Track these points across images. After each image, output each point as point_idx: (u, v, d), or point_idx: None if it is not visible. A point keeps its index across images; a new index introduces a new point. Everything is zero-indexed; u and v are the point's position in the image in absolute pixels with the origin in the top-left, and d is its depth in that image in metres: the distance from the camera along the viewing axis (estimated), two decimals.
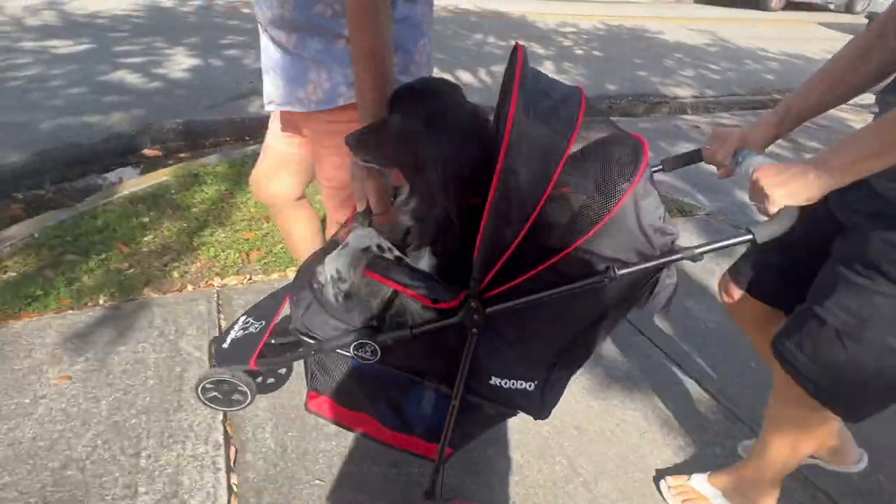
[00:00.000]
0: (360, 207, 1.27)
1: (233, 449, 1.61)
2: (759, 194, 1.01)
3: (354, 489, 1.54)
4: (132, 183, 3.10)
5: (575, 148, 0.95)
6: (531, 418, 1.22)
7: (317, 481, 1.55)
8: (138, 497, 1.46)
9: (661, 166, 1.27)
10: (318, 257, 1.21)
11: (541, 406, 1.17)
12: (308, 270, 1.20)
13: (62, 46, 5.30)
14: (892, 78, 1.15)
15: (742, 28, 10.97)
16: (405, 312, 1.10)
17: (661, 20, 10.74)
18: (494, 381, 1.12)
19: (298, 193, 1.70)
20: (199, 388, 1.47)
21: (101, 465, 1.54)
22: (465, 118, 1.07)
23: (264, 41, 1.36)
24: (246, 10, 7.73)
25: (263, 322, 1.48)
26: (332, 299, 1.11)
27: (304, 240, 1.78)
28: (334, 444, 1.65)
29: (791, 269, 1.29)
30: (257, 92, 1.80)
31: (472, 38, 7.66)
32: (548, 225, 0.94)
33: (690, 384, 2.02)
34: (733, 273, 1.45)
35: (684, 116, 5.55)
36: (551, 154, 0.92)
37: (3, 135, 3.55)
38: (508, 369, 1.12)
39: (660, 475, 1.64)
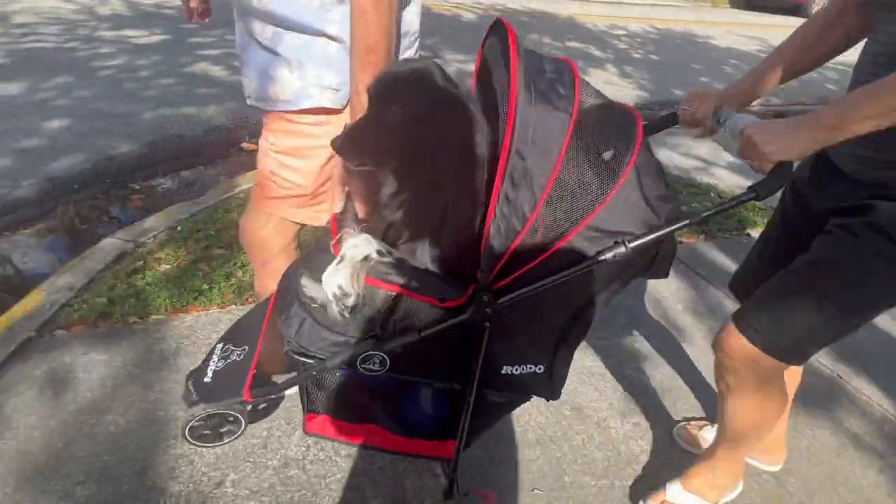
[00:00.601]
0: (338, 209, 1.18)
1: None
2: (752, 151, 1.02)
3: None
4: (251, 176, 3.10)
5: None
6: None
7: (536, 490, 1.55)
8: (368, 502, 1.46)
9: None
10: (298, 270, 1.12)
11: (551, 387, 1.14)
12: (291, 285, 1.10)
13: (139, 36, 5.32)
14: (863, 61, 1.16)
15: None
16: (411, 314, 1.02)
17: (707, 25, 10.65)
18: (506, 369, 1.09)
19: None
20: (187, 429, 1.22)
21: (321, 466, 1.54)
22: (466, 99, 1.01)
23: (239, 29, 1.27)
24: None
25: (246, 347, 1.27)
26: (337, 317, 1.01)
27: None
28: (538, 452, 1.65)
29: (766, 266, 1.32)
30: None
31: (527, 38, 7.62)
32: (556, 207, 0.92)
33: (867, 404, 2.00)
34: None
35: None
36: (556, 133, 0.88)
37: (108, 124, 3.57)
38: (519, 356, 1.09)
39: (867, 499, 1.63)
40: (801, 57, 1.26)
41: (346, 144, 1.01)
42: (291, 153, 1.31)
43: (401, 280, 0.99)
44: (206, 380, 1.23)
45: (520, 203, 0.88)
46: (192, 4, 1.50)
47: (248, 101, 1.33)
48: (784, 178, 1.00)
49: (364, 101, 1.06)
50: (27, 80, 4.03)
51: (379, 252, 1.03)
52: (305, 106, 1.22)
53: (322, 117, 1.25)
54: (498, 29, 1.00)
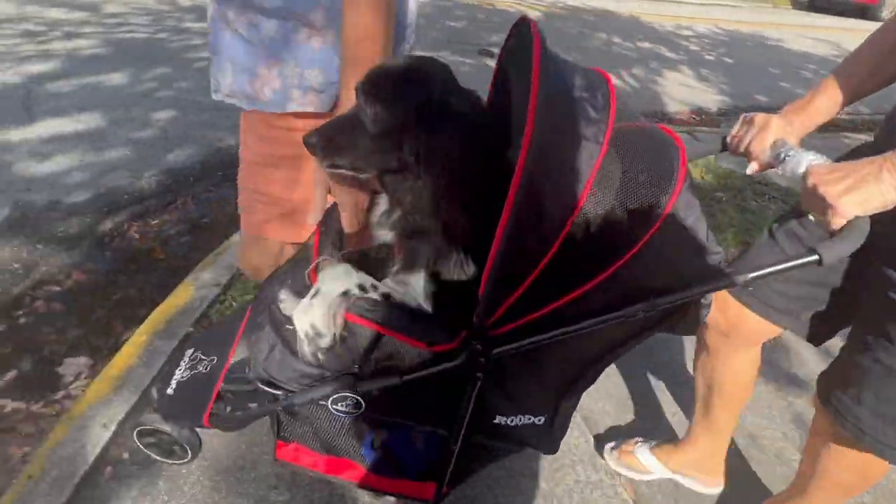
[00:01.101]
0: (315, 220, 1.03)
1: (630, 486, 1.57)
2: (818, 204, 0.83)
3: None
4: None
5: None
6: None
7: None
8: None
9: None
10: (279, 280, 0.98)
11: (550, 440, 1.03)
12: (267, 298, 0.96)
13: None
14: None
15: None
16: (394, 355, 0.88)
17: (775, 27, 10.29)
18: (500, 419, 0.96)
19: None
20: (136, 431, 1.13)
21: (504, 483, 1.50)
22: (464, 106, 0.86)
23: (211, 12, 1.11)
24: None
25: (215, 359, 1.12)
26: (310, 358, 0.88)
27: None
28: None
29: (806, 290, 1.14)
30: None
31: (597, 37, 7.48)
32: (575, 248, 0.76)
33: None
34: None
35: (847, 134, 5.26)
36: (581, 165, 0.74)
37: (211, 116, 3.61)
38: (515, 407, 0.96)
39: None
40: (871, 76, 1.07)
41: (320, 143, 0.87)
42: (270, 163, 1.16)
43: (384, 319, 0.85)
44: (169, 391, 1.08)
45: (531, 243, 0.74)
46: None
47: (216, 96, 1.17)
48: (857, 240, 0.79)
49: (354, 99, 0.90)
50: (128, 71, 4.11)
51: (360, 287, 0.87)
52: (287, 110, 1.08)
53: (304, 122, 1.07)
54: (521, 29, 0.83)
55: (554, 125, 0.71)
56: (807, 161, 0.90)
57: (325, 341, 0.84)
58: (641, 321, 0.85)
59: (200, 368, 1.09)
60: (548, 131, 0.69)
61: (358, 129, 0.86)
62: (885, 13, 12.94)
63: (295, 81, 1.06)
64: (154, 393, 1.12)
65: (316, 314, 0.83)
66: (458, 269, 0.87)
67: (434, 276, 0.88)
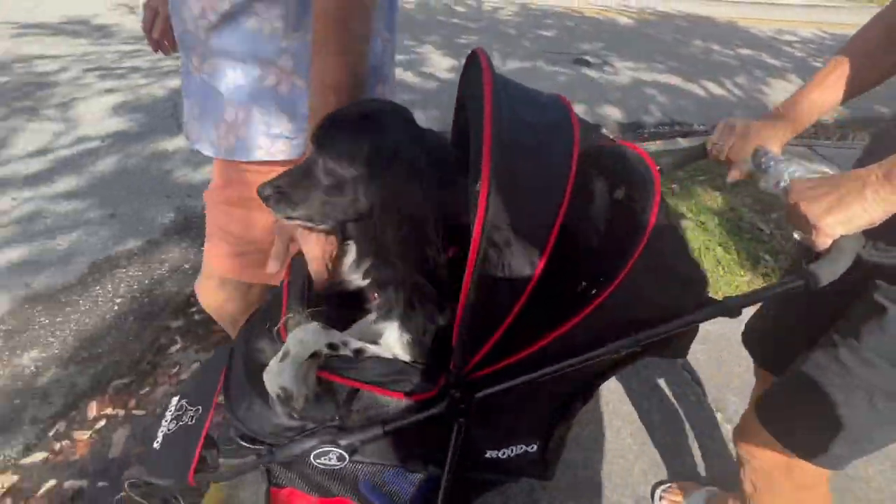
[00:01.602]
0: (275, 269, 0.98)
1: None
2: (800, 222, 0.76)
3: None
4: None
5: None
6: None
7: None
8: None
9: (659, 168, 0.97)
10: (256, 327, 0.94)
11: (544, 467, 1.00)
12: (243, 349, 0.92)
13: None
14: None
15: None
16: (374, 406, 0.86)
17: None
18: (490, 454, 0.95)
19: None
20: (127, 483, 1.09)
21: None
22: (417, 151, 0.83)
23: (182, 53, 1.09)
24: (460, 8, 7.89)
25: (200, 409, 1.08)
26: (285, 419, 0.85)
27: None
28: None
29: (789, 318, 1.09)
30: None
31: (693, 44, 7.25)
32: (552, 286, 0.72)
33: None
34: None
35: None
36: (549, 198, 0.71)
37: None
38: (505, 440, 0.95)
39: None
40: (860, 71, 0.98)
41: (273, 195, 0.86)
42: (238, 204, 1.13)
43: (359, 374, 0.84)
44: (156, 445, 1.05)
45: (501, 287, 0.71)
46: (155, 36, 1.28)
47: (190, 144, 1.14)
48: (846, 260, 0.74)
49: None
50: None
51: (331, 346, 0.84)
52: (253, 159, 1.05)
53: (272, 168, 1.01)
54: (474, 60, 0.81)
55: (513, 161, 0.69)
56: (787, 173, 0.83)
57: (299, 402, 0.81)
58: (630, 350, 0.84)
59: (185, 420, 1.07)
60: (506, 168, 0.68)
61: (312, 179, 0.85)
62: None
63: (262, 129, 1.02)
64: (145, 443, 1.09)
65: (286, 377, 0.80)
66: (431, 317, 0.85)
67: (408, 325, 0.87)
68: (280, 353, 0.82)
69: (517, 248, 0.70)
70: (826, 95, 1.00)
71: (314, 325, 0.85)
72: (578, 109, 0.88)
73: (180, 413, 1.09)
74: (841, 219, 0.73)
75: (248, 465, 0.96)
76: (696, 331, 0.87)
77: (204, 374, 1.18)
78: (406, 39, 6.02)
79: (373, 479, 0.99)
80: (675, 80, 5.62)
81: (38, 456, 1.72)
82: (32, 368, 2.01)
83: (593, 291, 0.78)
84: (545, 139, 0.75)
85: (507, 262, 0.70)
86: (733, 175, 1.03)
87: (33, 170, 3.12)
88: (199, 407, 1.07)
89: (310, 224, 0.90)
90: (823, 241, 0.75)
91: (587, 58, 6.04)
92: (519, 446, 0.96)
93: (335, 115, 0.86)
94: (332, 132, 0.85)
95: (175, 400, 1.11)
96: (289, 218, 0.89)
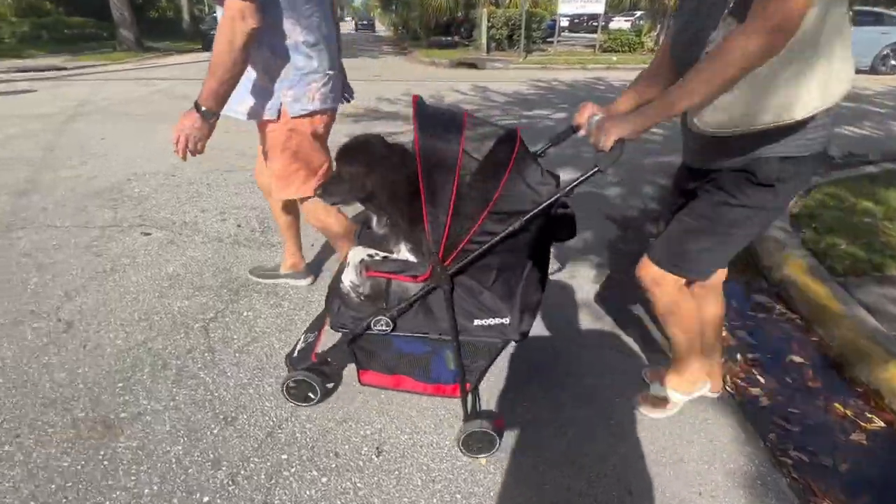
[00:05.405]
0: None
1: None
2: (598, 133, 1.31)
3: None
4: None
5: (469, 148, 1.30)
6: None
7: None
8: None
9: (548, 143, 1.66)
10: (338, 275, 1.60)
11: (520, 331, 1.47)
12: (334, 285, 1.59)
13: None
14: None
15: None
16: (399, 291, 1.46)
17: None
18: (477, 322, 1.46)
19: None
20: (284, 387, 1.84)
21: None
22: (390, 157, 1.43)
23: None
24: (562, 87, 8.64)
25: (315, 333, 1.96)
26: (356, 300, 1.50)
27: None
28: None
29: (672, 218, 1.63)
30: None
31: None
32: (465, 204, 1.27)
33: None
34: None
35: None
36: (450, 157, 1.25)
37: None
38: (485, 310, 1.45)
39: None
40: (648, 88, 1.59)
41: (324, 192, 1.54)
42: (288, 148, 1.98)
43: (386, 269, 1.44)
44: (294, 355, 1.90)
45: (439, 209, 1.26)
46: (189, 147, 1.72)
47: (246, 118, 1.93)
48: (617, 153, 1.29)
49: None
50: None
51: (369, 255, 1.49)
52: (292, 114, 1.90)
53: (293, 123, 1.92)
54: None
55: (430, 142, 1.24)
56: (596, 118, 1.53)
57: (363, 288, 1.48)
58: (533, 232, 1.37)
59: (309, 340, 1.95)
60: (427, 146, 1.23)
61: (340, 179, 1.50)
62: None
63: (289, 98, 1.88)
64: (287, 361, 1.91)
65: (351, 274, 1.49)
66: (417, 235, 1.42)
67: (408, 241, 1.48)
68: (346, 264, 1.54)
69: (440, 185, 1.25)
70: (635, 98, 1.63)
71: (360, 247, 1.55)
72: None
73: (307, 339, 1.99)
74: (618, 129, 1.30)
75: (341, 343, 1.58)
76: (573, 219, 1.48)
77: (318, 315, 2.19)
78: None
79: (422, 365, 1.57)
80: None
81: None
82: None
83: (486, 203, 1.28)
84: (448, 126, 1.31)
85: (438, 195, 1.26)
86: (581, 132, 1.62)
87: None
88: (315, 332, 2.00)
89: (340, 203, 1.60)
90: (608, 141, 1.30)
91: None
92: (497, 318, 1.46)
93: (346, 144, 1.50)
94: (345, 154, 1.49)
95: (303, 335, 2.03)
96: (333, 203, 1.60)
